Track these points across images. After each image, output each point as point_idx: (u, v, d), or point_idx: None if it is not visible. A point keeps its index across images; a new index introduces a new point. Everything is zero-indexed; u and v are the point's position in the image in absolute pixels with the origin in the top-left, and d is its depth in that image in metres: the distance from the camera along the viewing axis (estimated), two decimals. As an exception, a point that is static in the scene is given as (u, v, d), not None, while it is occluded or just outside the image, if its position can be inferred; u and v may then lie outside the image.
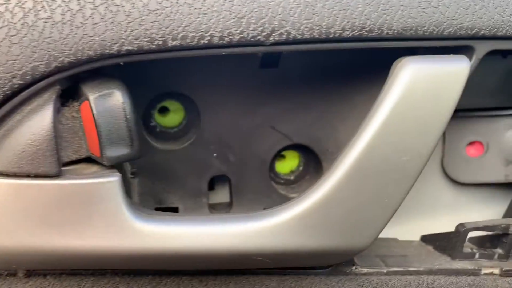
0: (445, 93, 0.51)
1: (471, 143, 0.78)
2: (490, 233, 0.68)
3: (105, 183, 0.46)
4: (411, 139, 0.50)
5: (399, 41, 0.51)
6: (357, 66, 0.61)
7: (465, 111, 0.76)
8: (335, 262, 0.56)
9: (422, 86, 0.50)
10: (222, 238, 0.48)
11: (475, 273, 0.63)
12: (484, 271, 0.64)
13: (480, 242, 0.71)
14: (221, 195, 0.67)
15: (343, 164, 0.50)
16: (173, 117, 0.63)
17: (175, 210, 0.64)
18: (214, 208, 0.67)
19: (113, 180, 0.46)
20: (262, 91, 0.62)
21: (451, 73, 0.51)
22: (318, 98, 0.64)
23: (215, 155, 0.63)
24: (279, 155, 0.69)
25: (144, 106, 0.60)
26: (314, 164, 0.70)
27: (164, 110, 0.64)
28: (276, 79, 0.62)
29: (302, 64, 0.62)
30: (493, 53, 0.63)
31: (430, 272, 0.61)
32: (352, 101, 0.64)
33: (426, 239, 0.70)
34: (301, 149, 0.69)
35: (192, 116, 0.63)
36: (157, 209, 0.63)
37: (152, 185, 0.62)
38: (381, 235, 0.79)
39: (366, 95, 0.61)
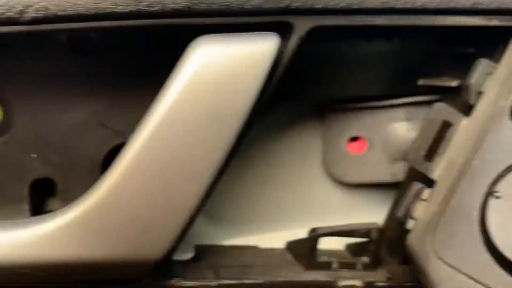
0: (245, 76, 0.43)
1: (354, 139, 0.71)
2: (360, 240, 0.61)
3: None
4: (203, 131, 0.43)
5: (189, 17, 0.44)
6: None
7: (344, 102, 0.68)
8: (133, 274, 0.48)
9: (216, 69, 0.43)
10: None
11: (329, 285, 0.56)
12: (342, 283, 0.56)
13: (353, 250, 0.64)
14: (50, 202, 0.60)
15: (122, 161, 0.43)
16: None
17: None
18: (41, 216, 0.60)
19: None
20: (83, 82, 0.55)
21: (253, 54, 0.44)
22: (150, 89, 0.57)
23: (34, 155, 0.56)
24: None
25: None
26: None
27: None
28: (97, 68, 0.55)
29: (124, 50, 0.54)
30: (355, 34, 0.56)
31: (271, 285, 0.54)
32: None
33: (289, 246, 0.62)
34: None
35: (5, 111, 0.56)
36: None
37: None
38: (246, 242, 0.74)
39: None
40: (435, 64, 0.65)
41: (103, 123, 0.58)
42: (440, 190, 0.52)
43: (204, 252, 0.59)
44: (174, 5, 0.42)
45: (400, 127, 0.66)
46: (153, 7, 0.42)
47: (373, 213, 0.76)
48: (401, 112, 0.65)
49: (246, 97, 0.43)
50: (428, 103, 0.63)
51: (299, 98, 0.67)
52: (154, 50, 0.53)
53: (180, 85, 0.42)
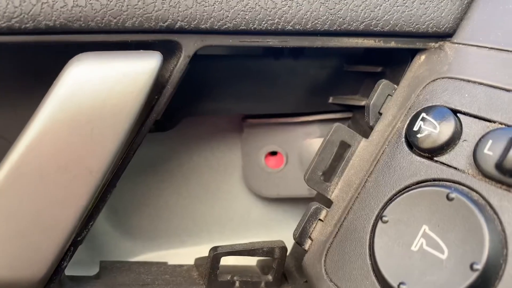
0: (123, 95, 0.42)
1: (271, 154, 0.70)
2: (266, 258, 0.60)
3: None
4: (77, 153, 0.42)
5: (65, 35, 0.43)
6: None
7: (261, 117, 0.68)
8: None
9: (91, 88, 0.42)
10: None
11: (229, 304, 0.55)
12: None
13: (261, 266, 0.64)
14: None
15: (-7, 181, 0.42)
16: None
17: None
18: None
19: None
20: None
21: (133, 72, 0.43)
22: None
23: None
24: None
25: None
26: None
27: None
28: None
29: (16, 64, 0.53)
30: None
31: (166, 305, 0.53)
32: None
33: (196, 263, 0.62)
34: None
35: None
36: None
37: None
38: (163, 257, 0.73)
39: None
40: (352, 82, 0.65)
41: (2, 136, 0.56)
42: (336, 211, 0.52)
43: (108, 269, 0.58)
44: (48, 22, 0.42)
45: (315, 143, 0.66)
46: (25, 23, 0.41)
47: (294, 227, 0.76)
48: (315, 128, 0.66)
49: (124, 116, 0.42)
50: (341, 120, 0.64)
51: (218, 112, 0.66)
52: (46, 65, 0.52)
53: (52, 105, 0.41)
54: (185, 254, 0.71)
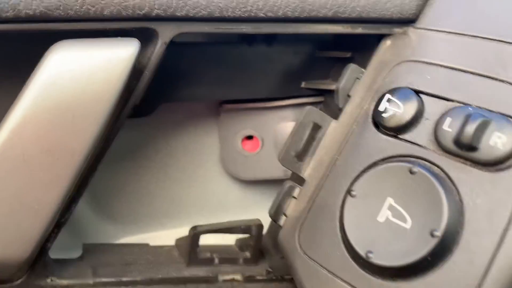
0: (102, 82, 0.44)
1: (248, 138, 0.73)
2: (246, 235, 0.63)
3: None
4: (58, 136, 0.44)
5: (44, 23, 0.44)
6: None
7: (237, 102, 0.70)
8: (2, 275, 0.49)
9: (71, 74, 0.43)
10: None
11: (210, 280, 0.58)
12: (222, 277, 0.59)
13: (239, 245, 0.66)
14: None
15: (-22, 165, 0.43)
16: None
17: None
18: None
19: None
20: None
21: (111, 59, 0.44)
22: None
23: None
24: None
25: None
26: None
27: None
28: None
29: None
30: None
31: (150, 282, 0.55)
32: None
33: (177, 243, 0.64)
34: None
35: None
36: None
37: None
38: (141, 239, 0.75)
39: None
40: (323, 67, 0.68)
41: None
42: (308, 188, 0.55)
43: (91, 251, 0.60)
44: (28, 11, 0.43)
45: (289, 126, 0.68)
46: (6, 12, 0.42)
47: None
48: (289, 112, 0.68)
49: (103, 102, 0.44)
50: (314, 104, 0.67)
51: (194, 98, 0.68)
52: (25, 53, 0.53)
53: (34, 91, 0.42)
54: (165, 236, 0.73)
